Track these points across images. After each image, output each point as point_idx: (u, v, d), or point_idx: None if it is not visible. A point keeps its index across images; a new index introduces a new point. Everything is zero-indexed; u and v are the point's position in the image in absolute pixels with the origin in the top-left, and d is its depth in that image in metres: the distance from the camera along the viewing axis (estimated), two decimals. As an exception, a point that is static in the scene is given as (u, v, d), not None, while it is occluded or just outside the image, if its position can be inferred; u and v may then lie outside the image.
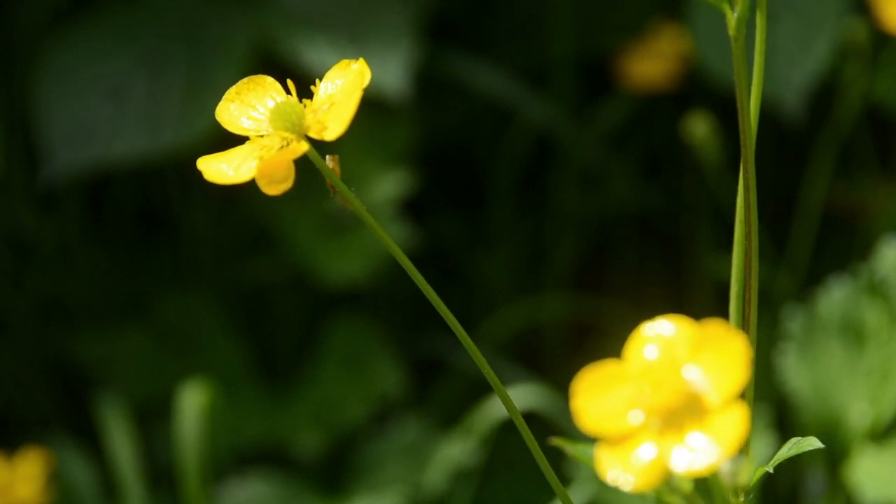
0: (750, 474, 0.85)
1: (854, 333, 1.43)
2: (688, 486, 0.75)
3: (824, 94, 1.88)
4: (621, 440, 0.71)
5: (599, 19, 2.09)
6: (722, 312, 0.92)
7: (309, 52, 1.82)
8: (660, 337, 0.74)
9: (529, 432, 0.88)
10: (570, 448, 0.87)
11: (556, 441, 0.89)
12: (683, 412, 0.71)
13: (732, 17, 0.85)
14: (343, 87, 0.87)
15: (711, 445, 0.70)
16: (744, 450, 0.87)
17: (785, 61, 1.82)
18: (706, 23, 1.84)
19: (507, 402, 0.87)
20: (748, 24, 0.87)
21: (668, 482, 0.73)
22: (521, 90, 1.99)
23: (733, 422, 0.70)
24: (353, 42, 1.83)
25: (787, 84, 1.81)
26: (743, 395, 0.86)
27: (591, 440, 0.77)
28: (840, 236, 2.05)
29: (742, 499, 0.86)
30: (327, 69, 0.89)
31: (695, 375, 0.72)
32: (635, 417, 0.72)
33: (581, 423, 0.73)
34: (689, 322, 0.74)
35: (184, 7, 1.87)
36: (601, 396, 0.73)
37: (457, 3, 2.10)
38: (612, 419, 0.72)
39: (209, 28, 1.85)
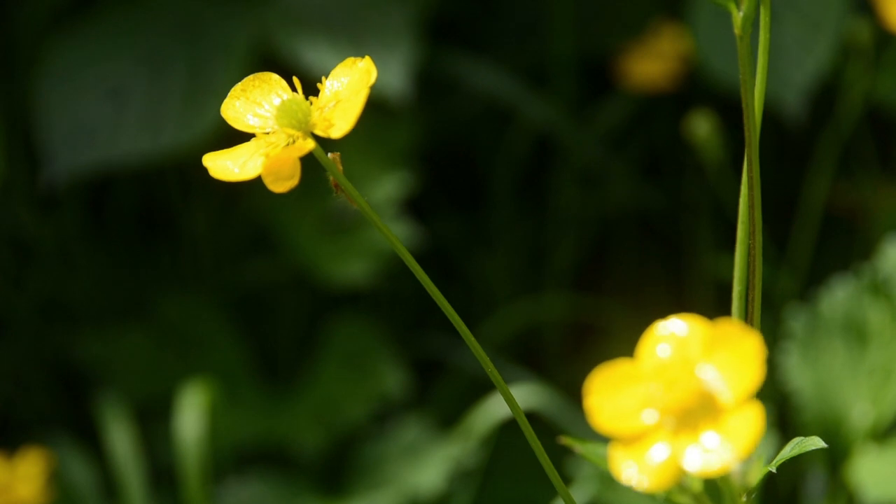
0: (758, 474, 0.85)
1: (856, 333, 1.43)
2: (697, 486, 0.75)
3: (826, 94, 1.88)
4: (635, 439, 0.71)
5: (600, 19, 2.09)
6: (722, 312, 0.91)
7: (309, 53, 1.81)
8: (673, 336, 0.74)
9: (532, 431, 0.88)
10: (579, 447, 0.87)
11: (564, 440, 0.89)
12: (697, 412, 0.71)
13: (738, 16, 0.85)
14: (349, 85, 0.87)
15: (726, 445, 0.70)
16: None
17: (786, 61, 1.82)
18: (707, 22, 1.84)
19: (509, 399, 0.87)
20: (752, 22, 0.87)
21: (679, 482, 0.73)
22: (521, 90, 1.99)
23: (748, 421, 0.69)
24: (354, 42, 1.83)
25: (788, 84, 1.81)
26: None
27: (595, 439, 0.76)
28: (841, 236, 2.05)
29: (745, 499, 0.86)
30: (328, 70, 0.89)
31: (709, 375, 0.72)
32: (649, 417, 0.72)
33: (595, 422, 0.73)
34: (702, 321, 0.74)
35: (184, 7, 1.87)
36: (615, 395, 0.72)
37: (457, 3, 2.10)
38: (626, 418, 0.72)
39: (209, 28, 1.85)
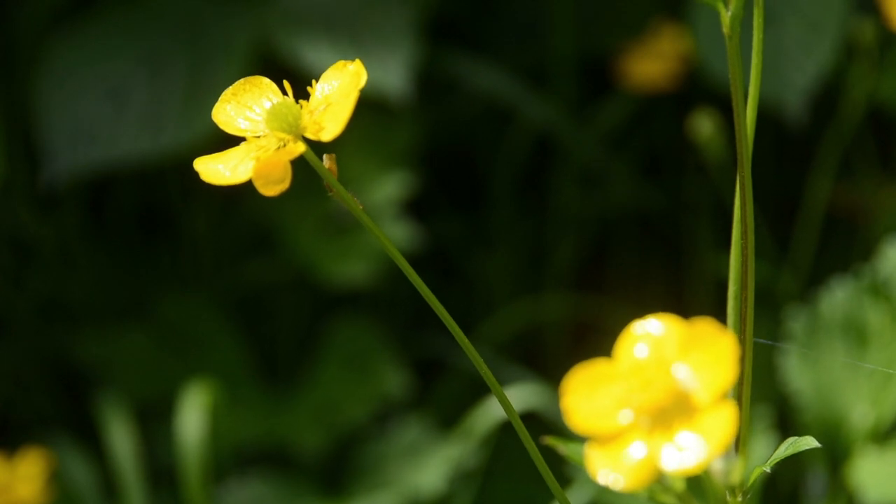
0: (747, 474, 0.85)
1: (856, 334, 1.43)
2: (680, 486, 0.75)
3: (828, 94, 1.88)
4: (611, 439, 0.71)
5: (600, 19, 2.09)
6: (722, 312, 0.91)
7: (310, 53, 1.81)
8: (649, 336, 0.74)
9: (527, 432, 0.88)
10: (563, 447, 0.87)
11: (549, 440, 0.89)
12: (673, 411, 0.71)
13: (726, 15, 0.85)
14: (340, 88, 0.87)
15: (700, 443, 0.70)
16: (741, 449, 0.87)
17: (787, 63, 1.82)
18: (706, 22, 1.84)
19: (504, 402, 0.87)
20: (747, 23, 0.87)
21: (660, 481, 0.73)
22: (521, 90, 1.99)
23: (722, 420, 0.70)
24: (354, 43, 1.83)
25: (789, 86, 1.80)
26: (740, 396, 0.85)
27: (587, 439, 0.76)
28: (842, 237, 2.05)
29: (740, 499, 0.86)
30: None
31: (684, 374, 0.72)
32: (625, 416, 0.72)
33: (571, 422, 0.73)
34: (678, 321, 0.74)
35: (184, 7, 1.87)
36: (591, 395, 0.73)
37: (457, 3, 2.10)
38: (603, 418, 0.72)
39: (209, 28, 1.85)
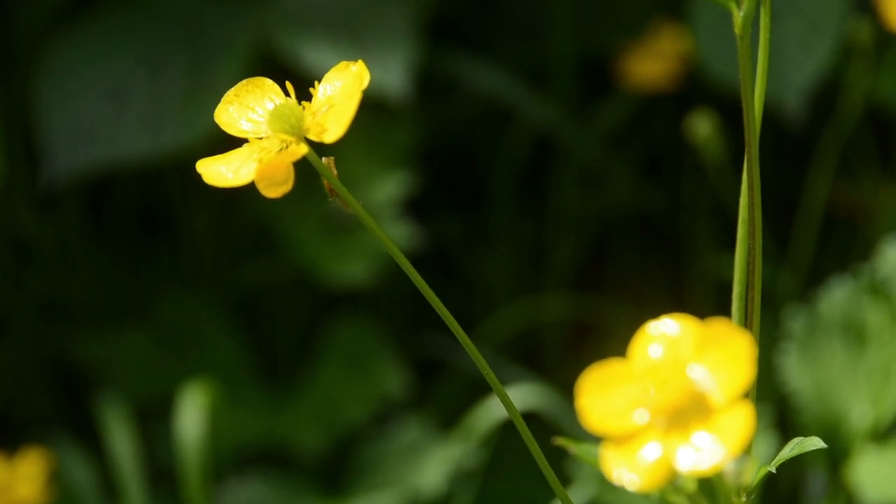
0: (752, 474, 0.85)
1: (856, 333, 1.43)
2: (692, 486, 0.75)
3: (827, 94, 1.88)
4: (626, 439, 0.71)
5: (600, 19, 2.09)
6: (723, 312, 0.91)
7: (310, 53, 1.81)
8: (665, 336, 0.74)
9: (529, 432, 0.88)
10: (574, 447, 0.87)
11: (559, 441, 0.89)
12: (689, 411, 0.71)
13: (738, 16, 0.85)
14: (342, 89, 0.87)
15: (717, 445, 0.70)
16: (746, 450, 0.87)
17: (787, 62, 1.82)
18: (707, 22, 1.84)
19: (506, 402, 0.87)
20: (752, 22, 0.87)
21: (672, 482, 0.73)
22: (521, 90, 1.99)
23: (738, 421, 0.70)
24: (354, 43, 1.83)
25: (788, 85, 1.81)
26: (745, 395, 0.85)
27: (594, 439, 0.76)
28: (842, 236, 2.05)
29: (744, 499, 0.86)
30: (328, 70, 0.88)
31: (700, 374, 0.72)
32: (640, 417, 0.72)
33: (586, 422, 0.73)
34: (693, 321, 0.74)
35: (184, 7, 1.87)
36: (606, 395, 0.73)
37: (457, 3, 2.10)
38: (618, 418, 0.72)
39: (209, 28, 1.85)
